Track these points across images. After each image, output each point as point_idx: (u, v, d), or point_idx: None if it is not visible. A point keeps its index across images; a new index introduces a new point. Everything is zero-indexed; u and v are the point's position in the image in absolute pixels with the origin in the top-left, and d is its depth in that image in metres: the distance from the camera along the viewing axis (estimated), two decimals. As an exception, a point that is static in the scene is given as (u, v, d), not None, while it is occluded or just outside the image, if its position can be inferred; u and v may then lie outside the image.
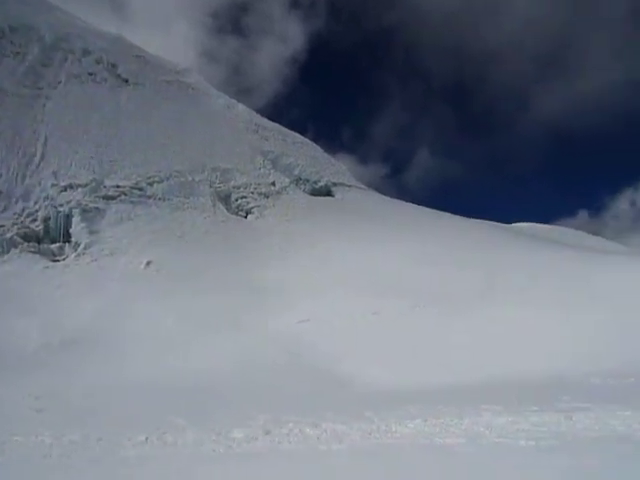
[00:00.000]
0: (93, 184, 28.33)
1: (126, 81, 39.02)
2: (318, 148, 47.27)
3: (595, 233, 70.81)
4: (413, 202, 43.68)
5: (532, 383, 11.08)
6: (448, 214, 40.10)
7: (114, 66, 39.78)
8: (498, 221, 51.75)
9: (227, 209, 31.11)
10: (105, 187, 28.58)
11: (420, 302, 19.72)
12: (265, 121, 44.94)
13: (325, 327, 17.59)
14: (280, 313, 19.04)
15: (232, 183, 33.48)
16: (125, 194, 28.67)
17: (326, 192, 37.40)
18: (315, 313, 19.06)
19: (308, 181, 37.59)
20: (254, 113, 45.84)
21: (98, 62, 39.21)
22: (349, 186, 40.29)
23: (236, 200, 32.12)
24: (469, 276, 22.08)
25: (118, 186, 29.02)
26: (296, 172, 37.96)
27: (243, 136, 40.00)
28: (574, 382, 10.91)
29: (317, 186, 37.37)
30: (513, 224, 55.51)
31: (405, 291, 20.91)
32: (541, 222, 61.26)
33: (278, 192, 34.57)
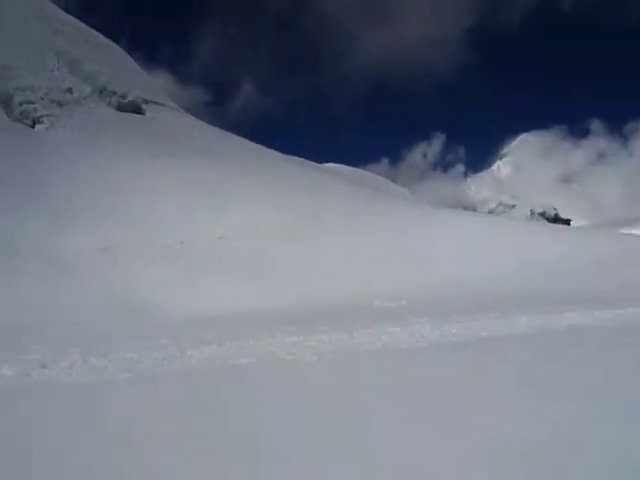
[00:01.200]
0: None
1: None
2: (129, 58, 42.14)
3: (393, 179, 79.87)
4: (234, 133, 42.65)
5: (329, 308, 12.13)
6: (270, 151, 40.24)
7: None
8: (311, 160, 54.16)
9: (7, 114, 25.95)
10: None
11: (234, 233, 19.73)
12: (61, 13, 37.90)
13: (127, 255, 16.42)
14: (76, 239, 17.07)
15: (14, 83, 27.82)
16: None
17: (135, 108, 33.88)
18: (117, 240, 17.60)
19: (115, 93, 33.44)
20: (46, 1, 38.19)
21: None
22: (163, 105, 37.19)
23: (20, 105, 26.93)
24: (284, 216, 22.81)
25: None
26: (100, 81, 33.34)
27: (30, 27, 33.18)
28: (362, 306, 12.29)
29: (125, 100, 33.54)
30: (324, 164, 58.89)
31: (223, 225, 20.65)
32: (349, 165, 66.22)
33: (76, 101, 30.03)
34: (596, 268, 16.90)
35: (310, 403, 3.86)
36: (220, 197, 23.35)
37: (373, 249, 18.89)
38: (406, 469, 2.71)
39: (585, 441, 3.07)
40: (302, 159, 49.07)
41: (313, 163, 53.09)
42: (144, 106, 34.51)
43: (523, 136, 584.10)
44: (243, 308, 12.77)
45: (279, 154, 40.24)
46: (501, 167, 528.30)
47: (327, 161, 62.51)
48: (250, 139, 42.12)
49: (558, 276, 15.84)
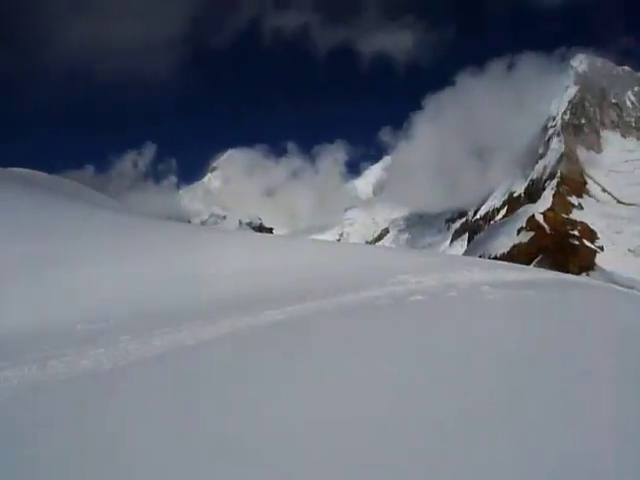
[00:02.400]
0: None
1: None
2: None
3: (101, 188, 73.69)
4: None
5: (18, 339, 10.44)
6: None
7: None
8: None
9: None
10: None
11: None
12: None
13: None
14: None
15: None
16: None
17: None
18: None
19: None
20: None
21: None
22: None
23: None
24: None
25: None
26: None
27: None
28: (61, 331, 11.02)
29: None
30: (9, 168, 50.06)
31: None
32: (42, 169, 57.99)
33: None
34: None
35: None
36: None
37: (73, 271, 17.15)
38: None
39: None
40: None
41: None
42: None
43: (230, 152, 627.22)
44: None
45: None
46: (212, 180, 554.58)
47: (13, 164, 52.82)
48: None
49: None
